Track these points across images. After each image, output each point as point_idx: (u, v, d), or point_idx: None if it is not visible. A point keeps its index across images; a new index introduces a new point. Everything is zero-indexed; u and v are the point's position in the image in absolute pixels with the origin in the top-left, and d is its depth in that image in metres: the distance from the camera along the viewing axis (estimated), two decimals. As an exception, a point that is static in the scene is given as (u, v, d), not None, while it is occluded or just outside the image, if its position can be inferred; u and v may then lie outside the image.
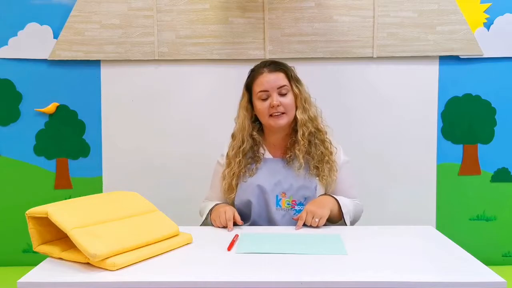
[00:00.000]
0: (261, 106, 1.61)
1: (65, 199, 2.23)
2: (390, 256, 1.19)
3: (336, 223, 1.57)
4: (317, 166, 1.60)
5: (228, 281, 1.03)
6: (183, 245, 1.28)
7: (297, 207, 1.59)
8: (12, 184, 2.52)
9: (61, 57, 2.46)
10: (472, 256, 1.17)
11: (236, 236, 1.34)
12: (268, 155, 1.67)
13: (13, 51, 2.46)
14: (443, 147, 2.52)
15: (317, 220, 1.44)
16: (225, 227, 1.47)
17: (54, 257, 1.17)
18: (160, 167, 2.52)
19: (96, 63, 2.48)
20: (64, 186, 2.53)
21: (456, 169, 2.53)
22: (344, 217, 1.54)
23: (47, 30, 2.45)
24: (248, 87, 1.68)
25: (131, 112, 2.51)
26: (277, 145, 1.68)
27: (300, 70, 1.73)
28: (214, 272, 1.08)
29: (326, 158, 1.61)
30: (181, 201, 2.47)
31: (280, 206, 1.59)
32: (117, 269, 1.07)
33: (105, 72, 2.49)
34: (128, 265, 1.10)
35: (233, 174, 1.62)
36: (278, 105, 1.58)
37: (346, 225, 1.55)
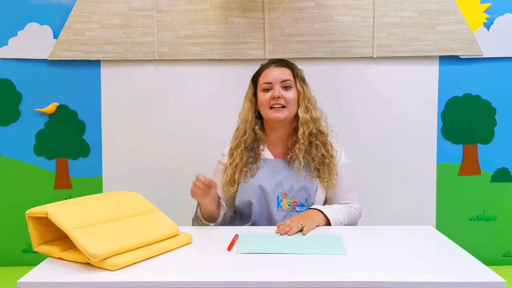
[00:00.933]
0: (263, 97, 1.63)
1: (65, 199, 2.24)
2: (390, 256, 1.19)
3: None
4: (317, 168, 1.60)
5: (228, 281, 1.03)
6: (183, 245, 1.28)
7: (298, 208, 1.59)
8: (12, 184, 2.52)
9: (61, 57, 2.46)
10: (472, 256, 1.17)
11: (236, 236, 1.34)
12: (269, 155, 1.67)
13: (13, 51, 2.46)
14: (443, 147, 2.51)
15: (301, 223, 1.40)
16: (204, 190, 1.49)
17: (54, 257, 1.17)
18: (160, 167, 2.52)
19: (96, 63, 2.48)
20: (64, 186, 2.53)
21: (456, 169, 2.53)
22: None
23: (47, 30, 2.45)
24: (255, 80, 1.70)
25: (131, 112, 2.51)
26: (278, 145, 1.68)
27: (300, 70, 1.73)
28: (214, 272, 1.08)
29: (327, 161, 1.61)
30: (181, 201, 2.45)
31: (281, 207, 1.59)
32: (117, 269, 1.07)
33: (105, 72, 2.49)
34: (128, 265, 1.10)
35: (236, 165, 1.62)
36: (279, 97, 1.59)
37: None
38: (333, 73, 2.48)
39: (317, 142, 1.62)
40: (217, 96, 2.49)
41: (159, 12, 2.44)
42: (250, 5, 2.44)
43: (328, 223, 1.52)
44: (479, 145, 2.52)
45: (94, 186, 2.51)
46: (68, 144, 2.52)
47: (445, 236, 1.38)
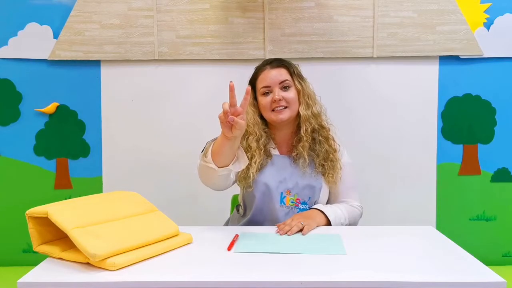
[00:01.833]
0: (263, 101, 1.62)
1: (65, 199, 2.24)
2: (390, 256, 1.18)
3: None
4: (322, 164, 1.61)
5: (228, 281, 1.03)
6: (183, 245, 1.27)
7: (300, 206, 1.59)
8: (12, 184, 2.52)
9: (61, 57, 2.46)
10: (472, 256, 1.17)
11: (236, 236, 1.34)
12: (275, 152, 1.67)
13: (13, 51, 2.46)
14: (443, 147, 2.52)
15: (302, 223, 1.40)
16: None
17: (54, 257, 1.16)
18: (160, 167, 2.52)
19: (96, 63, 2.48)
20: (64, 186, 2.53)
21: (456, 169, 2.53)
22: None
23: (47, 30, 2.45)
24: (252, 85, 1.69)
25: (131, 112, 2.51)
26: (283, 143, 1.68)
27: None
28: (214, 272, 1.08)
29: (331, 156, 1.62)
30: (181, 201, 2.47)
31: (284, 203, 1.60)
32: (117, 269, 1.07)
33: (105, 72, 2.49)
34: (128, 265, 1.10)
35: (255, 163, 1.58)
36: (280, 99, 1.59)
37: None
38: (333, 73, 2.48)
39: (320, 137, 1.63)
40: (217, 96, 2.46)
41: (159, 12, 2.44)
42: (250, 5, 2.44)
43: (328, 223, 1.52)
44: (479, 145, 2.52)
45: (94, 186, 2.52)
46: (68, 144, 2.52)
47: (445, 236, 1.37)
